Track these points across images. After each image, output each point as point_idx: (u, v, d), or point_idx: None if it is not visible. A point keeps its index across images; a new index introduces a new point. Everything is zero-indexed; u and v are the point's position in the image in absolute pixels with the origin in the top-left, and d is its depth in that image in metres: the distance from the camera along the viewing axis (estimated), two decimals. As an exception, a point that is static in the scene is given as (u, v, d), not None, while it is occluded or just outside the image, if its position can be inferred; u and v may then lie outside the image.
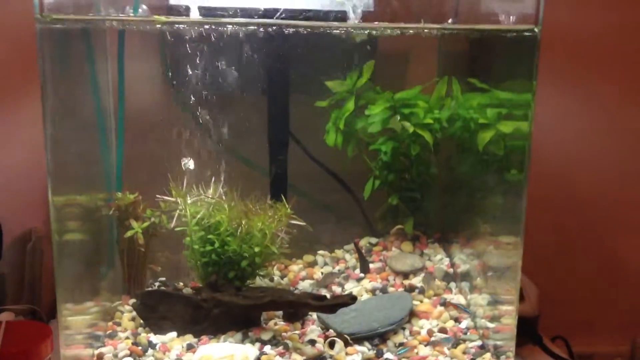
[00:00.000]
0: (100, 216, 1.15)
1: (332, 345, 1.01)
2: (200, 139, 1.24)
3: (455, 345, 1.05)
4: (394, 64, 1.32)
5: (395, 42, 1.25)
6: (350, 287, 1.20)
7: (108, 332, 1.07)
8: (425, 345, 1.04)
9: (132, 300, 1.15)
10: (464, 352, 1.03)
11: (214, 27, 1.09)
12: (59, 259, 0.89)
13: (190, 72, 1.20)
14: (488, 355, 1.02)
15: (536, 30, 0.93)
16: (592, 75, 1.47)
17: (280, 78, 1.27)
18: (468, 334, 1.08)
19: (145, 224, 1.17)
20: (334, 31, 1.09)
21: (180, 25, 1.10)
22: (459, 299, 1.17)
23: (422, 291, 1.18)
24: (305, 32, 1.09)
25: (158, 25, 1.07)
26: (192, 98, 1.21)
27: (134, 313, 1.11)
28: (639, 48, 1.47)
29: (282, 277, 1.24)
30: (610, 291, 1.57)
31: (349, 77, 1.25)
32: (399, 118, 1.21)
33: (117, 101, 1.21)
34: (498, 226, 1.08)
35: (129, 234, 1.16)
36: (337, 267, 1.27)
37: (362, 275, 1.24)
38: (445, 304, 1.14)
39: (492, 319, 1.05)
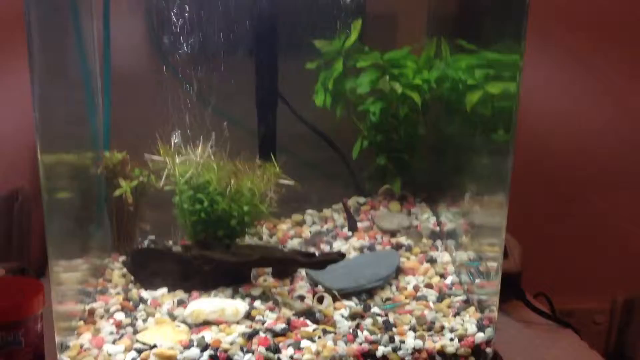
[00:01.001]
0: (89, 175, 1.15)
1: (320, 300, 1.03)
2: (188, 100, 1.23)
3: (441, 299, 1.07)
4: (382, 25, 1.32)
5: (384, 1, 1.24)
6: (339, 245, 1.22)
7: (99, 289, 1.09)
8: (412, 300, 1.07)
9: (122, 258, 1.16)
10: (449, 306, 1.06)
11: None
12: (49, 217, 0.89)
13: (177, 32, 1.19)
14: (472, 309, 1.04)
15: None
16: (581, 37, 1.47)
17: (268, 38, 1.27)
18: (453, 289, 1.11)
19: (134, 183, 1.17)
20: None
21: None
22: (444, 256, 1.19)
23: (409, 248, 1.21)
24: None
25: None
26: (179, 58, 1.20)
27: (125, 270, 1.13)
28: (628, 10, 1.47)
29: (270, 236, 1.26)
30: (592, 250, 1.61)
31: (338, 38, 1.25)
32: (388, 79, 1.22)
33: (103, 60, 1.20)
34: (484, 186, 1.10)
35: (117, 192, 1.16)
36: (326, 226, 1.28)
37: (350, 233, 1.26)
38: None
39: (477, 273, 1.08)
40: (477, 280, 1.07)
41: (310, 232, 1.27)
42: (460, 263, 1.15)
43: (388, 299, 1.07)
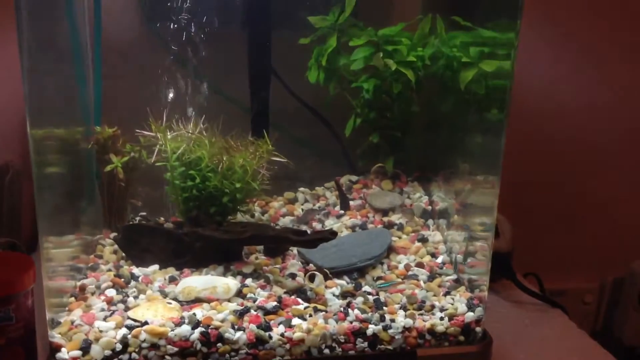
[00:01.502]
0: (80, 150, 1.14)
1: (312, 278, 1.03)
2: (180, 74, 1.22)
3: (432, 278, 1.08)
4: (377, 0, 1.30)
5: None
6: (331, 223, 1.22)
7: (90, 265, 1.08)
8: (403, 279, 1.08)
9: (114, 234, 1.16)
10: (440, 285, 1.06)
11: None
12: (39, 192, 0.88)
13: (170, 5, 1.17)
14: (462, 288, 1.05)
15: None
16: (577, 16, 1.46)
17: (261, 13, 1.25)
18: (444, 268, 1.11)
19: (125, 159, 1.17)
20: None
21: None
22: (435, 235, 1.19)
23: (400, 227, 1.21)
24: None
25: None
26: (171, 32, 1.19)
27: (116, 247, 1.12)
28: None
29: (262, 214, 1.26)
30: (582, 230, 1.62)
31: (332, 13, 1.23)
32: (381, 55, 1.20)
33: (94, 33, 1.18)
34: (477, 165, 1.10)
35: (108, 168, 1.16)
36: (318, 204, 1.28)
37: (342, 212, 1.26)
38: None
39: (468, 254, 1.08)
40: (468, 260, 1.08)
41: (302, 210, 1.26)
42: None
43: (379, 278, 1.07)
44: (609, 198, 1.61)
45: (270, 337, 0.92)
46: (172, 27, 1.18)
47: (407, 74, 1.19)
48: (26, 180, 1.31)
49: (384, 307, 0.99)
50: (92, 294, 1.01)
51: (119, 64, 1.21)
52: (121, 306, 0.97)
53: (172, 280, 1.03)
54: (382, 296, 1.02)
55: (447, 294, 1.04)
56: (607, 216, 1.62)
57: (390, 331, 0.95)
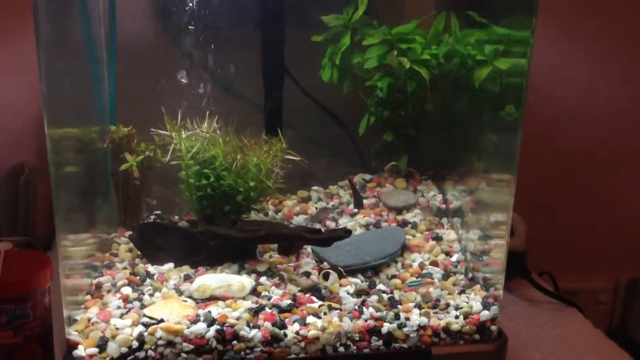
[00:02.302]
0: (95, 149, 1.14)
1: (326, 277, 1.03)
2: (194, 74, 1.22)
3: (446, 277, 1.08)
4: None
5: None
6: (344, 222, 1.22)
7: (105, 263, 1.09)
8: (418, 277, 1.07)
9: (129, 233, 1.17)
10: (454, 284, 1.06)
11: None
12: (57, 190, 0.89)
13: (183, 5, 1.17)
14: (477, 287, 1.05)
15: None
16: (592, 13, 1.45)
17: (275, 12, 1.25)
18: (458, 267, 1.11)
19: (140, 157, 1.17)
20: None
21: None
22: (450, 234, 1.19)
23: (414, 226, 1.21)
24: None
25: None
26: (186, 31, 1.19)
27: (131, 245, 1.13)
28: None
29: (276, 212, 1.26)
30: (597, 230, 1.61)
31: (345, 11, 1.23)
32: (395, 53, 1.20)
33: (109, 33, 1.18)
34: (492, 163, 1.09)
35: (123, 167, 1.16)
36: (331, 203, 1.28)
37: (356, 210, 1.25)
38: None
39: (483, 252, 1.08)
40: (483, 258, 1.07)
41: (315, 209, 1.26)
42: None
43: (393, 276, 1.07)
44: (624, 198, 1.60)
45: (285, 335, 0.92)
46: (186, 26, 1.19)
47: (421, 72, 1.19)
48: (41, 179, 1.32)
49: (399, 306, 0.99)
50: (108, 291, 1.01)
51: (133, 63, 1.22)
52: (137, 304, 0.98)
53: (187, 278, 1.04)
54: (397, 294, 1.02)
55: (462, 292, 1.04)
56: (622, 216, 1.61)
57: (405, 329, 0.95)
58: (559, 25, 1.43)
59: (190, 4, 1.17)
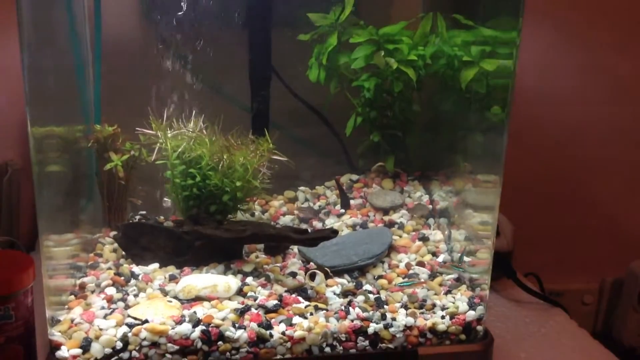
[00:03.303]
0: (80, 148, 1.13)
1: (312, 277, 1.03)
2: (181, 73, 1.22)
3: (433, 277, 1.08)
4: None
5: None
6: (331, 222, 1.22)
7: (90, 263, 1.08)
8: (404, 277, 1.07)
9: (113, 233, 1.15)
10: (441, 284, 1.06)
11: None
12: (39, 190, 0.88)
13: (169, 4, 1.17)
14: (464, 287, 1.05)
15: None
16: (579, 16, 1.46)
17: (262, 11, 1.25)
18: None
19: (125, 157, 1.16)
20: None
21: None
22: (436, 234, 1.19)
23: (401, 226, 1.21)
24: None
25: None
26: (171, 30, 1.18)
27: (115, 245, 1.12)
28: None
29: (263, 213, 1.25)
30: (581, 231, 1.61)
31: (333, 11, 1.23)
32: (382, 54, 1.20)
33: (94, 31, 1.17)
34: (478, 164, 1.10)
35: (108, 166, 1.15)
36: (318, 203, 1.28)
37: (342, 211, 1.25)
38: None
39: (469, 253, 1.08)
40: (467, 259, 1.07)
41: (301, 207, 1.26)
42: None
43: (380, 276, 1.07)
44: (609, 199, 1.61)
45: (271, 336, 0.92)
46: (172, 25, 1.18)
47: (408, 72, 1.19)
48: (25, 179, 1.31)
49: (385, 306, 0.99)
50: (92, 292, 1.00)
51: (118, 62, 1.21)
52: (121, 304, 0.97)
53: (173, 278, 1.03)
54: (383, 295, 1.02)
55: (448, 292, 1.04)
56: (607, 217, 1.62)
57: (391, 330, 0.95)
58: (541, 22, 1.43)
59: (177, 4, 1.17)
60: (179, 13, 1.17)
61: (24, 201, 1.33)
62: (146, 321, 0.91)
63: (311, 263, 1.09)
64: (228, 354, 0.91)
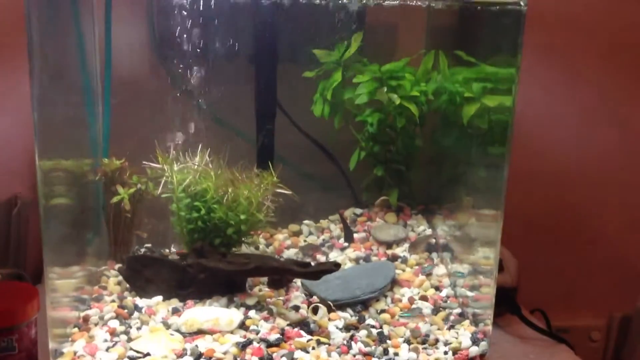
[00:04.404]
0: (87, 181, 1.15)
1: (315, 311, 1.03)
2: (188, 107, 1.24)
3: (436, 312, 1.07)
4: (382, 36, 1.32)
5: (383, 13, 1.25)
6: (335, 256, 1.22)
7: (94, 296, 1.09)
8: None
9: (118, 265, 1.16)
10: (444, 319, 1.05)
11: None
12: (46, 222, 0.89)
13: (178, 40, 1.19)
14: (467, 322, 1.04)
15: (522, 4, 0.94)
16: (578, 52, 1.48)
17: (268, 47, 1.27)
18: (448, 302, 1.11)
19: (132, 190, 1.17)
20: (323, 1, 1.09)
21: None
22: (440, 269, 1.19)
23: (404, 260, 1.21)
24: (294, 1, 1.09)
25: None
26: (180, 66, 1.21)
27: (120, 278, 1.13)
28: (624, 25, 1.48)
29: (267, 246, 1.26)
30: (589, 266, 1.60)
31: (337, 48, 1.26)
32: (385, 90, 1.22)
33: (104, 65, 1.20)
34: (480, 199, 1.10)
35: (115, 199, 1.16)
36: (322, 237, 1.28)
37: (346, 244, 1.26)
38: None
39: (472, 288, 1.08)
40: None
41: (305, 241, 1.27)
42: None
43: (382, 311, 1.07)
44: (616, 234, 1.60)
45: (273, 370, 0.92)
46: (180, 60, 1.21)
47: (410, 108, 1.21)
48: (33, 212, 1.32)
49: (388, 341, 0.98)
50: (96, 324, 1.01)
51: (127, 96, 1.23)
52: (124, 337, 0.97)
53: (176, 311, 1.03)
54: (386, 329, 1.01)
55: (451, 327, 1.03)
56: (615, 252, 1.61)
57: (393, 365, 0.95)
58: (541, 58, 1.45)
59: (186, 38, 1.20)
60: (188, 48, 1.20)
61: (33, 233, 1.34)
62: (148, 354, 0.91)
63: (314, 297, 1.09)
64: (229, 388, 0.91)
